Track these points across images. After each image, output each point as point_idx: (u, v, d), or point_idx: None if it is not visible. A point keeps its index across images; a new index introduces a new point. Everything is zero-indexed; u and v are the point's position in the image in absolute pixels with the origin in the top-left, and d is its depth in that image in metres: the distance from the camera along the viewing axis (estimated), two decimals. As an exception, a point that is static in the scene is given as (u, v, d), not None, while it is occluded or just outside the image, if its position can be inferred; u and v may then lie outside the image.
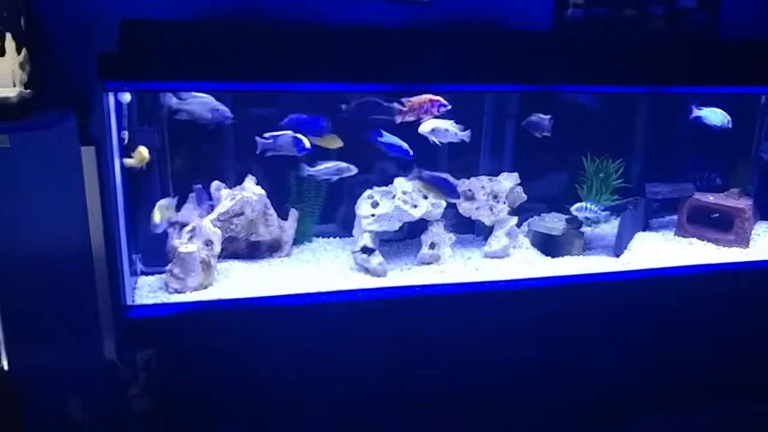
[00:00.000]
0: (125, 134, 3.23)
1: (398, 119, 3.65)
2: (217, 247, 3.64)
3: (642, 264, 4.11)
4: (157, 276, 3.65)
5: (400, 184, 4.14)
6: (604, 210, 4.02)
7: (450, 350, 3.68)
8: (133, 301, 3.42)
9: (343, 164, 4.11)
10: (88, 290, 3.26)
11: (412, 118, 3.64)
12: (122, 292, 3.27)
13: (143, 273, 3.73)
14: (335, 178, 4.09)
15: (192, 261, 3.51)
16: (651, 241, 4.57)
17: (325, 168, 4.09)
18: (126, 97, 3.19)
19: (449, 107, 3.66)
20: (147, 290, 3.56)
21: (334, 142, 3.76)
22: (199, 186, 3.80)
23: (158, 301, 3.42)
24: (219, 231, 3.67)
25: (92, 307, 3.29)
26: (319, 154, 3.81)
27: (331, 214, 4.35)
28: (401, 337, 3.54)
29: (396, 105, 3.60)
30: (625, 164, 4.36)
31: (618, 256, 4.22)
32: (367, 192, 3.99)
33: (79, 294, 3.31)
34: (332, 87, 3.70)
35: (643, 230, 4.66)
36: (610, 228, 4.70)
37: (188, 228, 3.67)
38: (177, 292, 3.48)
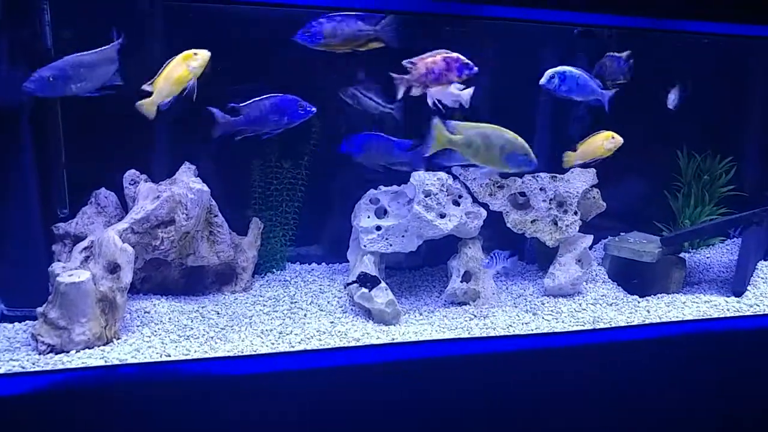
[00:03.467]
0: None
1: (400, 91, 2.92)
2: (127, 276, 2.82)
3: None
4: (30, 323, 2.92)
5: (422, 180, 3.28)
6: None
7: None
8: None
9: None
10: None
11: (417, 91, 2.94)
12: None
13: (4, 317, 2.98)
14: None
15: (81, 298, 2.64)
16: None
17: None
18: None
19: (475, 71, 2.94)
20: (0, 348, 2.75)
21: None
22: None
23: (10, 368, 2.56)
24: (131, 249, 2.84)
25: None
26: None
27: (316, 227, 3.78)
28: (424, 424, 2.84)
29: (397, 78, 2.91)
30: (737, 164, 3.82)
31: (740, 294, 3.46)
32: (370, 192, 3.41)
33: None
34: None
35: (764, 258, 3.92)
36: (716, 254, 3.96)
37: (83, 244, 2.89)
38: (53, 351, 2.65)
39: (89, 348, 2.64)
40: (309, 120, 3.27)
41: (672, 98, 3.31)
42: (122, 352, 2.65)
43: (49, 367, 2.56)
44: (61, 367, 2.57)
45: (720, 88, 3.91)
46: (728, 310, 3.28)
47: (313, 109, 2.96)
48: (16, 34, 2.93)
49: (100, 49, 2.72)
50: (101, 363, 2.64)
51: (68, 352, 2.61)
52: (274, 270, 3.62)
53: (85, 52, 2.70)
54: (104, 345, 2.69)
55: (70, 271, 2.67)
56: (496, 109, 3.62)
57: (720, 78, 3.94)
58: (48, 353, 2.60)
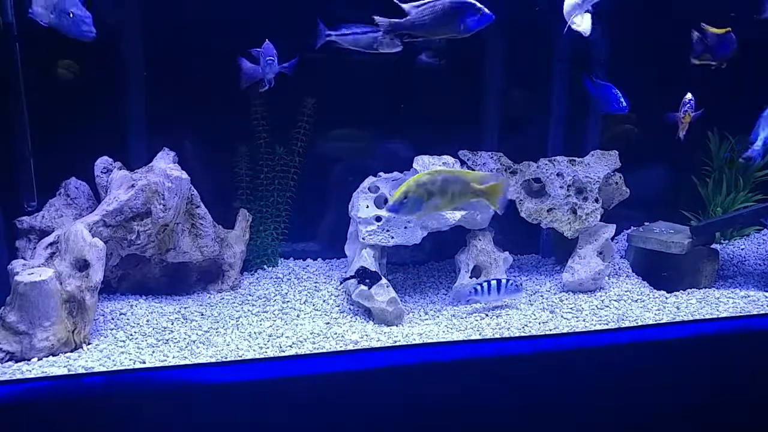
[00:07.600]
0: None
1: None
2: (97, 274, 2.67)
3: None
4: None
5: (426, 165, 3.23)
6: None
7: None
8: None
9: None
10: None
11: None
12: None
13: (-35, 320, 2.85)
14: None
15: (42, 300, 2.49)
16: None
17: None
18: None
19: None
20: (-45, 355, 2.57)
21: None
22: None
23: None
24: (101, 244, 2.70)
25: None
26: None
27: (311, 219, 3.68)
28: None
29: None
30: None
31: (781, 289, 3.29)
32: (369, 180, 3.36)
33: None
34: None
35: (804, 249, 3.89)
36: (752, 245, 3.82)
37: (48, 239, 2.75)
38: (12, 359, 2.51)
39: (54, 355, 2.50)
40: (302, 100, 3.14)
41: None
42: (91, 359, 2.51)
43: (5, 378, 2.39)
44: (19, 377, 2.40)
45: (757, 61, 3.65)
46: (763, 306, 3.14)
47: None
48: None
49: None
50: (65, 372, 2.41)
51: (29, 360, 2.47)
52: (264, 266, 3.54)
53: None
54: (71, 351, 2.55)
55: (30, 270, 2.48)
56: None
57: (757, 49, 3.64)
58: (6, 362, 2.45)
